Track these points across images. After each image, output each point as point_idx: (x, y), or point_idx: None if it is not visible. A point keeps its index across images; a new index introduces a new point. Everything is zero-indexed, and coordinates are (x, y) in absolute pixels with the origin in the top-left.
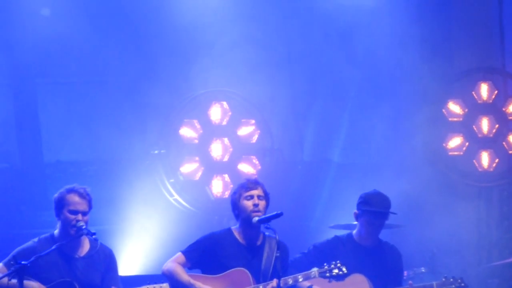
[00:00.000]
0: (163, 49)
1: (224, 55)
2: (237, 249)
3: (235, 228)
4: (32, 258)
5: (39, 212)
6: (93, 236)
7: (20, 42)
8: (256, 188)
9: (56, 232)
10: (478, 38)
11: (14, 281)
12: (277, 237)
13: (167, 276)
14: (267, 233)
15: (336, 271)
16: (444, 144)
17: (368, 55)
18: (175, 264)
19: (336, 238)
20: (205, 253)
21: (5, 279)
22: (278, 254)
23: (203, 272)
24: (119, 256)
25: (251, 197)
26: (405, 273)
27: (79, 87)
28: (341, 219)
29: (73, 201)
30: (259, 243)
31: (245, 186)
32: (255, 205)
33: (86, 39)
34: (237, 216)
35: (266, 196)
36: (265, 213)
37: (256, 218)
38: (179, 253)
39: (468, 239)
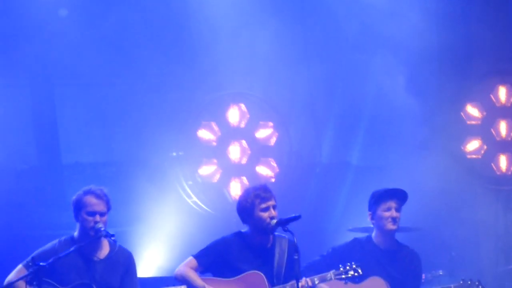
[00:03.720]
0: (182, 51)
1: (242, 57)
2: (249, 252)
3: (245, 231)
4: (51, 260)
5: (58, 213)
6: (112, 238)
7: (38, 44)
8: (271, 199)
9: (75, 234)
10: (496, 41)
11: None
12: (295, 240)
13: (180, 281)
14: (276, 233)
15: (351, 272)
16: (462, 147)
17: (387, 58)
18: (187, 268)
19: (355, 240)
20: (216, 257)
21: (23, 281)
22: (296, 257)
23: (215, 276)
24: (138, 258)
25: (267, 208)
26: (423, 276)
27: (97, 89)
28: (360, 222)
29: (91, 203)
30: (269, 245)
31: (260, 196)
32: (272, 218)
33: (105, 41)
34: (246, 222)
35: (276, 204)
36: None
37: (274, 221)
38: (191, 258)
39: (486, 242)
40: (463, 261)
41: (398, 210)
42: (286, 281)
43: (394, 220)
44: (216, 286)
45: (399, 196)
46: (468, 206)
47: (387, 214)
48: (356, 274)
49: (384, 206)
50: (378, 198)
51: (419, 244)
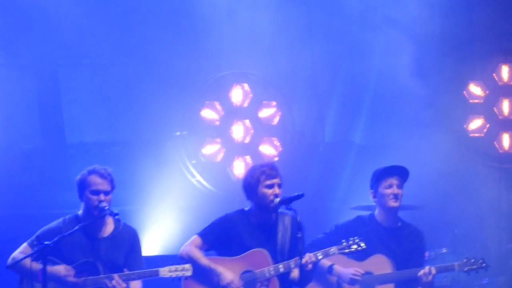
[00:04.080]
0: (185, 31)
1: (246, 36)
2: (252, 230)
3: (248, 208)
4: (55, 239)
5: (62, 193)
6: (116, 217)
7: (42, 24)
8: (276, 177)
9: (80, 212)
10: (499, 20)
11: (36, 265)
12: (298, 218)
13: (186, 260)
14: (279, 210)
15: (355, 247)
16: (465, 126)
17: (390, 37)
18: (192, 247)
19: (358, 218)
20: (220, 235)
21: (29, 259)
22: (300, 235)
23: (219, 253)
24: (142, 236)
25: (272, 186)
26: (427, 254)
27: (101, 69)
28: (363, 200)
29: (95, 182)
30: (272, 222)
31: (266, 173)
32: (275, 195)
33: (108, 20)
34: (250, 198)
35: (282, 183)
36: None
37: (278, 200)
38: (195, 236)
39: (489, 219)
40: (466, 239)
41: (399, 187)
42: (289, 257)
43: (396, 196)
44: (220, 264)
45: (400, 173)
46: (471, 184)
47: (388, 191)
48: (359, 248)
49: (385, 183)
50: (379, 176)
51: (422, 222)
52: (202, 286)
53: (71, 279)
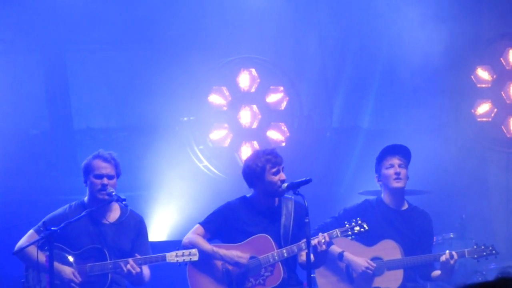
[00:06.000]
0: (192, 16)
1: (253, 21)
2: (255, 216)
3: (250, 195)
4: (62, 225)
5: (69, 178)
6: (123, 202)
7: (49, 9)
8: (281, 163)
9: (85, 198)
10: (506, 3)
11: (43, 257)
12: (305, 203)
13: (189, 249)
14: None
15: (357, 228)
16: (472, 111)
17: (398, 22)
18: (195, 235)
19: (366, 201)
20: (223, 223)
21: (35, 246)
22: (307, 220)
23: (223, 241)
24: (149, 222)
25: (278, 171)
26: (434, 238)
27: (108, 54)
28: (370, 185)
29: (98, 166)
30: (275, 207)
31: (271, 161)
32: (282, 181)
33: (115, 5)
34: (255, 186)
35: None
36: None
37: (285, 185)
38: (198, 225)
39: (497, 204)
40: (473, 223)
41: (402, 166)
42: (293, 242)
43: (398, 175)
44: (224, 250)
45: (400, 152)
46: (479, 169)
47: (390, 171)
48: (362, 230)
49: (386, 164)
50: (380, 158)
51: (430, 207)
52: (208, 272)
53: (74, 286)
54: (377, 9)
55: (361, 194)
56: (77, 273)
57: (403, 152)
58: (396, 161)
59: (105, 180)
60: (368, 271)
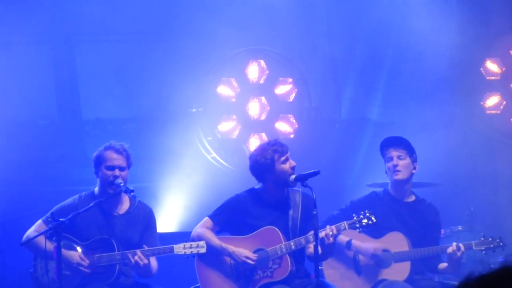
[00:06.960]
0: (201, 6)
1: (262, 12)
2: (263, 208)
3: (258, 187)
4: (70, 215)
5: (78, 169)
6: (132, 194)
7: (58, 0)
8: (288, 151)
9: (96, 189)
10: None
11: (51, 246)
12: (314, 195)
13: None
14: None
15: (365, 221)
16: (481, 103)
17: (406, 14)
18: (203, 229)
19: (374, 193)
20: (231, 215)
21: (43, 237)
22: (315, 212)
23: (231, 234)
24: (158, 213)
25: (287, 160)
26: (442, 231)
27: (117, 45)
28: (378, 177)
29: (110, 157)
30: (283, 199)
31: (279, 151)
32: (293, 168)
33: None
34: (264, 179)
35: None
36: None
37: (293, 177)
38: (206, 218)
39: (505, 196)
40: (482, 216)
41: (400, 158)
42: (301, 234)
43: (395, 167)
44: (232, 244)
45: (395, 143)
46: (487, 161)
47: (389, 164)
48: (370, 222)
49: (386, 157)
50: (380, 152)
51: (438, 200)
52: (216, 265)
53: (83, 269)
54: (387, 2)
55: (369, 186)
56: (84, 256)
57: (399, 143)
58: (394, 153)
59: (117, 172)
60: (376, 252)
